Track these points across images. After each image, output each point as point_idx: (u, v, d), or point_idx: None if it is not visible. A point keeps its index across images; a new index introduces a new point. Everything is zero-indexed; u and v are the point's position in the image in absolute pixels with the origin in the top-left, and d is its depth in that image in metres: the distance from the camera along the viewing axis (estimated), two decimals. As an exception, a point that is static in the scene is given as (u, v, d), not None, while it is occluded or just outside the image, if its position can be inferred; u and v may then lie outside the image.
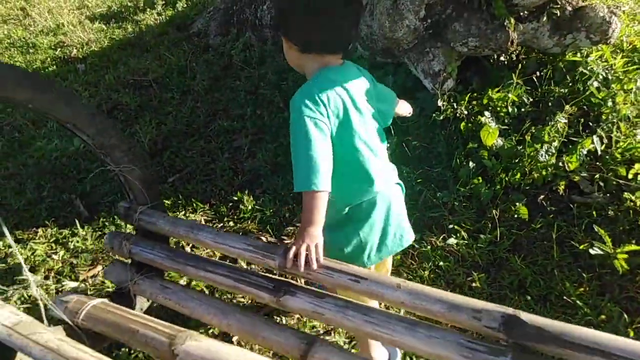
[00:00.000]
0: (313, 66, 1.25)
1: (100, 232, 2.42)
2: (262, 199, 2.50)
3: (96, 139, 1.45)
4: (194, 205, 2.52)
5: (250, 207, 2.45)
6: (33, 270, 2.19)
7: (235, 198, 2.53)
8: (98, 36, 4.64)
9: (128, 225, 2.42)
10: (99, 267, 2.23)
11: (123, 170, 1.53)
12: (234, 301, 1.96)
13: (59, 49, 4.50)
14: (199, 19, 4.59)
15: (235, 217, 2.44)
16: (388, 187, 1.36)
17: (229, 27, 4.25)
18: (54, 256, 2.28)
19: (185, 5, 4.87)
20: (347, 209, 1.32)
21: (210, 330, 1.80)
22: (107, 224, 2.46)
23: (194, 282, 2.04)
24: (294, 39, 1.22)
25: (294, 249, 1.17)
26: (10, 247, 2.34)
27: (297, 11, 1.18)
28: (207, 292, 1.97)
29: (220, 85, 3.58)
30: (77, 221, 2.45)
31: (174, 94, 3.56)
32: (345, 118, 1.22)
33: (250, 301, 1.95)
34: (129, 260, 1.64)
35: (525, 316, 1.00)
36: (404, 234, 1.39)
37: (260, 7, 3.98)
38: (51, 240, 2.39)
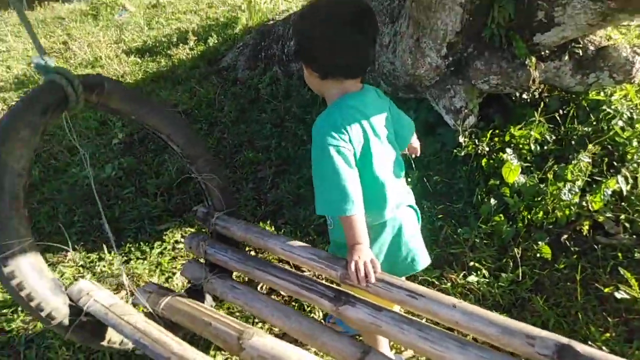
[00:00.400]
0: (333, 92, 1.29)
1: (125, 258, 2.49)
2: (283, 230, 2.54)
3: (185, 149, 1.61)
4: (217, 234, 2.57)
5: (271, 238, 2.48)
6: (60, 293, 2.26)
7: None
8: (133, 69, 4.87)
9: (156, 247, 2.49)
10: (123, 293, 2.28)
11: (205, 178, 1.67)
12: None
13: (96, 81, 4.73)
14: (229, 54, 4.78)
15: (257, 247, 2.47)
16: (400, 210, 1.39)
17: (257, 61, 4.41)
18: (80, 280, 2.35)
19: (216, 41, 5.07)
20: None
21: (270, 330, 1.86)
22: (132, 249, 2.53)
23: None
24: (313, 66, 1.26)
25: (352, 264, 1.22)
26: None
27: (314, 40, 1.23)
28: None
29: (246, 118, 3.69)
30: (104, 246, 2.53)
31: (202, 125, 3.68)
32: (365, 145, 1.26)
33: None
34: (204, 260, 1.76)
35: (579, 347, 1.00)
36: (416, 258, 1.42)
37: (287, 43, 4.13)
38: (79, 264, 2.47)
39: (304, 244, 1.45)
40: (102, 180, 3.11)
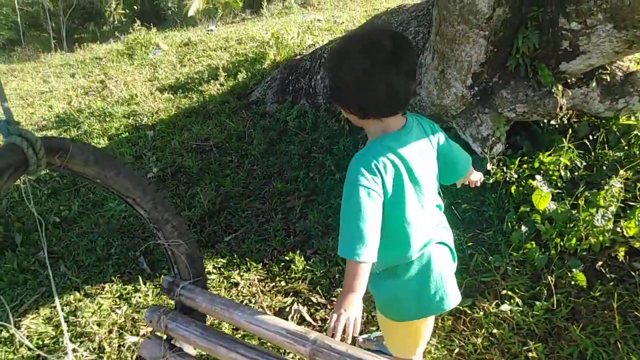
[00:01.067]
0: (374, 129, 1.28)
1: (160, 289, 2.55)
2: (312, 260, 2.57)
3: (151, 214, 1.55)
4: (248, 264, 2.62)
5: (301, 267, 2.51)
6: (99, 324, 2.34)
7: (287, 258, 2.61)
8: (166, 105, 5.09)
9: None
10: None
11: (171, 244, 1.61)
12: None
13: (131, 117, 4.97)
14: (257, 88, 4.95)
15: (287, 276, 2.51)
16: (430, 247, 1.36)
17: (285, 95, 4.54)
18: (117, 311, 2.43)
19: (245, 76, 5.27)
20: (382, 269, 1.37)
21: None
22: (167, 280, 2.60)
23: None
24: (350, 107, 1.25)
25: (341, 316, 1.13)
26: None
27: (345, 81, 1.21)
28: None
29: (275, 150, 3.79)
30: (140, 278, 2.61)
31: (233, 157, 3.80)
32: (399, 190, 1.24)
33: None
34: (164, 336, 1.68)
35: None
36: (445, 297, 1.37)
37: (314, 77, 4.25)
38: (116, 296, 2.55)
39: (272, 317, 1.39)
40: (137, 214, 3.22)
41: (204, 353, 1.84)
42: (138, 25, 9.09)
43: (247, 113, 4.46)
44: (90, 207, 3.46)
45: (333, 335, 1.13)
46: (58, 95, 6.68)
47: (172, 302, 1.78)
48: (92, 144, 4.61)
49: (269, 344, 1.87)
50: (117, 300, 2.54)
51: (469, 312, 2.02)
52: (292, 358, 1.59)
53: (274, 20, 8.88)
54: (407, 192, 1.26)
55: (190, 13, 15.18)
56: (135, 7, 22.07)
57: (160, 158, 3.97)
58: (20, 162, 1.17)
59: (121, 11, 21.91)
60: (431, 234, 1.37)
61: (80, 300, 2.53)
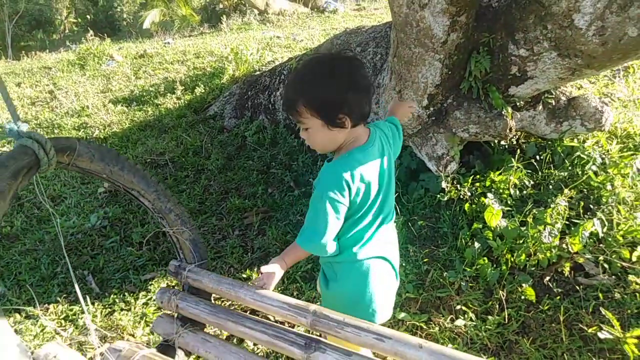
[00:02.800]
0: (348, 139, 1.36)
1: (109, 309, 2.44)
2: (271, 277, 2.53)
3: (155, 204, 1.66)
4: (204, 282, 2.55)
5: (259, 285, 2.47)
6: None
7: (245, 275, 2.56)
8: (120, 118, 4.93)
9: (141, 297, 2.45)
10: (107, 345, 2.22)
11: (176, 232, 1.72)
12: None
13: (82, 130, 4.78)
14: (216, 103, 4.90)
15: (244, 295, 2.46)
16: (373, 262, 1.46)
17: (244, 110, 4.52)
18: (63, 333, 2.29)
19: (203, 90, 5.20)
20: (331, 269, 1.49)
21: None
22: (117, 300, 2.49)
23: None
24: (350, 115, 1.30)
25: (267, 274, 1.44)
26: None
27: (350, 89, 1.28)
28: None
29: (233, 165, 3.75)
30: (87, 298, 2.49)
31: (189, 172, 3.72)
32: (364, 198, 1.36)
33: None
34: (175, 315, 1.75)
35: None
36: (376, 310, 1.48)
37: (274, 93, 4.26)
38: (61, 317, 2.41)
39: (275, 293, 1.50)
40: (87, 229, 3.08)
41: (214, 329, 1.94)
42: (91, 35, 8.82)
43: (205, 128, 4.40)
44: (34, 223, 3.27)
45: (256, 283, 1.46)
46: (2, 105, 6.33)
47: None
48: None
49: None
50: (63, 321, 2.40)
51: (424, 327, 2.05)
52: (295, 328, 1.64)
53: (233, 36, 8.85)
54: (370, 201, 1.37)
55: (146, 25, 14.89)
56: (88, 16, 21.42)
57: (112, 172, 3.82)
58: (32, 163, 1.26)
59: (73, 20, 21.20)
60: (379, 249, 1.47)
61: (20, 323, 2.37)
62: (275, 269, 1.43)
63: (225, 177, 3.60)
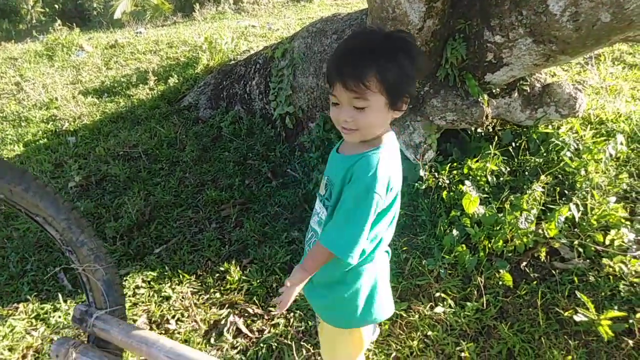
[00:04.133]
0: (388, 127, 1.25)
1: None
2: (249, 269, 2.50)
3: (64, 235, 1.40)
4: (180, 276, 2.50)
5: (237, 278, 2.43)
6: (10, 349, 2.12)
7: (222, 269, 2.52)
8: (90, 110, 4.78)
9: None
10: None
11: (86, 269, 1.46)
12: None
13: (51, 123, 4.61)
14: (190, 94, 4.79)
15: (222, 288, 2.42)
16: (383, 256, 1.41)
17: (219, 101, 4.43)
18: (33, 333, 2.21)
19: (176, 81, 5.08)
20: (335, 275, 1.36)
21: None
22: (90, 297, 2.41)
23: None
24: (411, 98, 1.21)
25: (292, 287, 1.27)
26: None
27: (419, 70, 1.19)
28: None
29: (209, 157, 3.68)
30: (60, 295, 2.40)
31: (163, 165, 3.63)
32: (394, 198, 1.26)
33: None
34: None
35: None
36: (390, 303, 1.43)
37: (249, 83, 4.19)
38: (32, 316, 2.33)
39: (192, 351, 1.32)
40: (49, 234, 2.97)
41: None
42: (59, 25, 8.51)
43: (179, 119, 4.30)
44: (2, 220, 3.14)
45: (281, 304, 1.27)
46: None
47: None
48: (5, 151, 4.22)
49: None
50: (33, 321, 2.31)
51: (404, 315, 2.05)
52: None
53: (207, 25, 8.67)
54: (395, 203, 1.28)
55: (117, 15, 14.47)
56: (56, 6, 20.71)
57: (83, 166, 3.71)
58: None
59: (40, 9, 20.46)
60: (387, 243, 1.40)
61: None
62: (299, 283, 1.28)
63: (201, 169, 3.52)
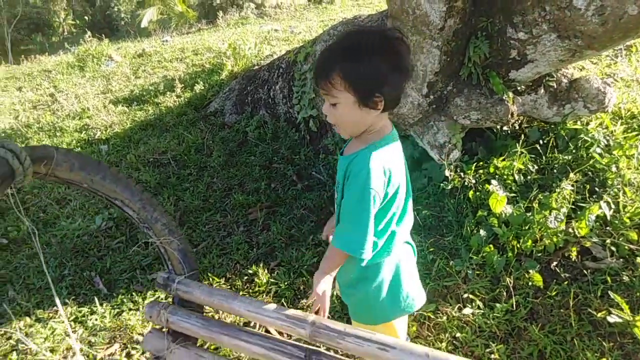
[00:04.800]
0: (379, 126, 1.27)
1: (118, 310, 2.45)
2: (276, 272, 2.54)
3: (140, 213, 1.57)
4: (210, 279, 2.56)
5: (265, 280, 2.48)
6: (52, 350, 2.21)
7: (251, 271, 2.56)
8: (121, 118, 4.93)
9: (149, 297, 2.46)
10: (116, 346, 2.24)
11: (163, 242, 1.62)
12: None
13: (84, 132, 4.78)
14: (215, 100, 4.88)
15: (251, 290, 2.46)
16: (403, 248, 1.42)
17: (244, 106, 4.50)
18: (72, 335, 2.31)
19: (202, 87, 5.19)
20: (357, 271, 1.39)
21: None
22: (125, 300, 2.50)
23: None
24: (387, 96, 1.20)
25: (321, 293, 1.32)
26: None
27: (395, 70, 1.18)
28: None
29: (235, 161, 3.74)
30: (96, 299, 2.50)
31: (192, 170, 3.72)
32: (395, 193, 1.29)
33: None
34: (166, 329, 1.67)
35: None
36: (416, 294, 1.43)
37: (273, 87, 4.24)
38: (70, 319, 2.43)
39: (270, 304, 1.42)
40: (93, 231, 3.09)
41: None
42: (89, 37, 8.80)
43: (206, 125, 4.39)
44: (41, 227, 3.29)
45: (318, 311, 1.33)
46: (4, 109, 6.35)
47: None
48: (42, 160, 4.39)
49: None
50: (72, 323, 2.41)
51: (432, 317, 2.05)
52: (293, 341, 1.59)
53: (231, 31, 8.81)
54: (398, 195, 1.30)
55: (144, 24, 14.87)
56: (86, 17, 21.39)
57: (116, 173, 3.83)
58: (7, 174, 1.17)
59: (71, 22, 21.18)
60: (405, 235, 1.42)
61: (31, 326, 2.39)
62: (327, 287, 1.33)
63: (227, 174, 3.59)
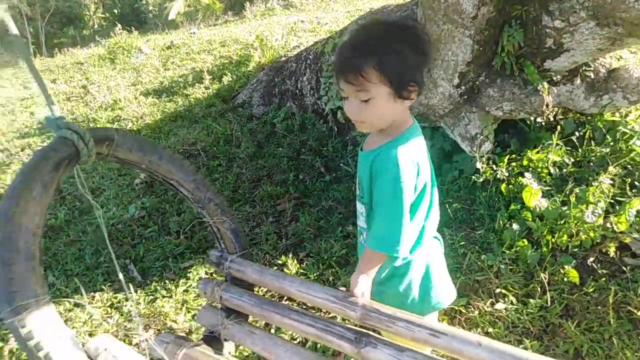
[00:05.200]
0: (402, 117, 1.25)
1: (152, 296, 2.51)
2: (305, 263, 2.55)
3: (195, 193, 1.63)
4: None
5: (294, 271, 2.50)
6: (90, 334, 2.29)
7: (280, 262, 2.59)
8: (151, 110, 5.02)
9: (181, 285, 2.52)
10: (151, 332, 2.30)
11: (216, 221, 1.68)
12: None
13: (116, 123, 4.89)
14: (243, 91, 4.92)
15: (280, 281, 2.49)
16: (433, 242, 1.41)
17: (271, 97, 4.52)
18: (109, 320, 2.38)
19: (230, 79, 5.23)
20: (388, 269, 1.37)
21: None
22: (158, 288, 2.56)
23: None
24: (419, 85, 1.19)
25: (360, 295, 1.28)
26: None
27: (422, 57, 1.18)
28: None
29: (263, 152, 3.77)
30: (131, 286, 2.57)
31: (221, 161, 3.77)
32: (424, 186, 1.26)
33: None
34: (219, 305, 1.73)
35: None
36: (444, 292, 1.42)
37: (301, 79, 4.24)
38: (107, 305, 2.51)
39: (320, 285, 1.43)
40: (126, 220, 3.18)
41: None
42: (119, 29, 8.97)
43: (234, 116, 4.43)
44: (77, 215, 3.39)
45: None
46: (39, 101, 6.55)
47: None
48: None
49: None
50: (109, 309, 2.49)
51: (464, 311, 2.03)
52: (343, 322, 1.62)
53: (257, 22, 8.84)
54: (427, 189, 1.27)
55: (171, 16, 15.03)
56: (115, 10, 21.79)
57: (147, 164, 3.91)
58: (73, 154, 1.25)
59: (101, 15, 21.61)
60: (434, 230, 1.41)
61: (70, 310, 2.48)
62: (366, 289, 1.30)
63: (256, 165, 3.62)
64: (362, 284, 1.28)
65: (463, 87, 2.62)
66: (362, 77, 1.12)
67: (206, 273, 2.62)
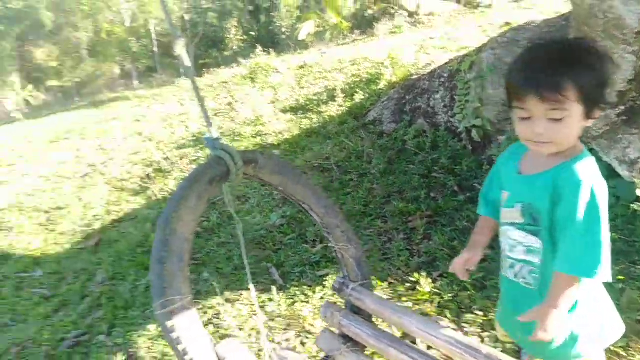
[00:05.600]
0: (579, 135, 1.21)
1: (292, 300, 2.72)
2: (439, 282, 2.55)
3: (324, 219, 1.73)
4: (374, 282, 2.68)
5: (428, 289, 2.51)
6: (240, 328, 2.56)
7: (413, 279, 2.62)
8: (289, 126, 5.42)
9: (317, 292, 2.68)
10: (292, 333, 2.49)
11: (342, 248, 1.75)
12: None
13: (258, 137, 5.38)
14: (374, 108, 5.07)
15: (414, 298, 2.52)
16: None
17: (402, 115, 4.60)
18: (255, 317, 2.63)
19: (362, 97, 5.42)
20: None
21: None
22: (297, 292, 2.76)
23: None
24: (605, 104, 1.17)
25: (554, 327, 1.13)
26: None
27: (610, 78, 1.16)
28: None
29: (394, 169, 3.85)
30: (273, 288, 2.81)
31: (353, 176, 3.93)
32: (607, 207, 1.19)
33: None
34: (338, 331, 1.80)
35: None
36: (612, 322, 1.30)
37: (433, 96, 4.25)
38: (253, 303, 2.77)
39: (442, 326, 1.40)
40: (269, 227, 3.48)
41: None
42: (260, 50, 9.80)
43: (365, 133, 4.59)
44: (226, 219, 3.80)
45: None
46: (192, 117, 7.44)
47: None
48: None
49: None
50: (254, 307, 2.75)
51: (622, 353, 1.86)
52: None
53: (386, 41, 9.00)
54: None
55: (301, 36, 15.95)
56: (252, 33, 23.80)
57: (285, 176, 4.24)
58: (224, 173, 1.40)
59: (240, 37, 23.76)
60: None
61: (222, 305, 2.79)
62: (559, 327, 1.14)
63: (387, 181, 3.71)
64: (559, 322, 1.13)
65: (622, 107, 2.43)
66: (562, 95, 1.07)
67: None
